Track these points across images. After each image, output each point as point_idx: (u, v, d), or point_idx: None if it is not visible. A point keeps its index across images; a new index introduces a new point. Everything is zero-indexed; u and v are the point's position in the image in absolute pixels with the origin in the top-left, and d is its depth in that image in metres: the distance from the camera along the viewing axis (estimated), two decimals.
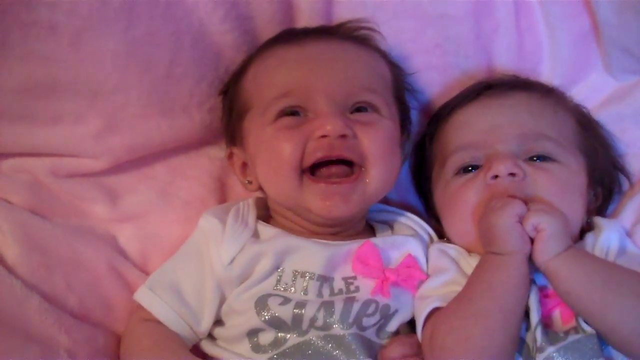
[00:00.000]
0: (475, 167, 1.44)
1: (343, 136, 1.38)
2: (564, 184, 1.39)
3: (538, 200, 1.35)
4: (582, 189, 1.43)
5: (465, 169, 1.45)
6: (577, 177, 1.43)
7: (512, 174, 1.37)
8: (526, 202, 1.33)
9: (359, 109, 1.43)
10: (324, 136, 1.37)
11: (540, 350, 1.24)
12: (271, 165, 1.42)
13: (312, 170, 1.40)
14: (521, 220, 1.30)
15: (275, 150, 1.40)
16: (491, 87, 1.52)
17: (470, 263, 1.38)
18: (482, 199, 1.39)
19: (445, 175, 1.49)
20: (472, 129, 1.48)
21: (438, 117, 1.58)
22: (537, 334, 1.26)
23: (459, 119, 1.51)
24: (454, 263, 1.42)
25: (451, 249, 1.45)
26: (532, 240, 1.30)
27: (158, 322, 1.38)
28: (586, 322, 1.26)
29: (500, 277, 1.29)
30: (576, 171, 1.43)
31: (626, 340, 1.23)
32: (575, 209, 1.40)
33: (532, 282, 1.32)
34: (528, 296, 1.30)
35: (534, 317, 1.28)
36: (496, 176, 1.38)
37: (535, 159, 1.41)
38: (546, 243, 1.28)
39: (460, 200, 1.43)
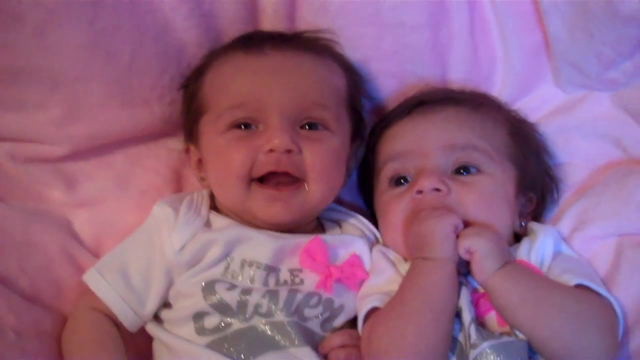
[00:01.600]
0: (405, 180, 1.50)
1: (289, 151, 1.43)
2: (487, 195, 1.44)
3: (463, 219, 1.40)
4: (508, 197, 1.48)
5: (397, 181, 1.51)
6: (503, 186, 1.48)
7: (437, 189, 1.43)
8: None
9: (310, 124, 1.48)
10: (271, 150, 1.42)
11: (474, 346, 1.29)
12: (221, 173, 1.48)
13: (261, 178, 1.45)
14: (456, 233, 1.37)
15: (225, 160, 1.45)
16: (422, 103, 1.57)
17: (405, 268, 1.43)
18: (408, 212, 1.45)
19: (380, 185, 1.55)
20: (402, 140, 1.53)
21: (374, 130, 1.64)
22: (471, 331, 1.31)
23: (392, 132, 1.57)
24: (392, 265, 1.47)
25: (391, 253, 1.51)
26: (468, 263, 1.36)
27: (101, 312, 1.42)
28: None
29: (431, 280, 1.34)
30: (502, 181, 1.48)
31: (554, 355, 1.29)
32: (501, 217, 1.46)
33: (465, 283, 1.38)
34: (459, 297, 1.35)
35: (467, 316, 1.33)
36: (421, 191, 1.44)
37: (461, 171, 1.46)
38: (481, 264, 1.33)
39: (390, 212, 1.49)
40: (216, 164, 1.48)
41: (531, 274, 1.36)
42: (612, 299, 1.35)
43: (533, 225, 1.50)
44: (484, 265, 1.33)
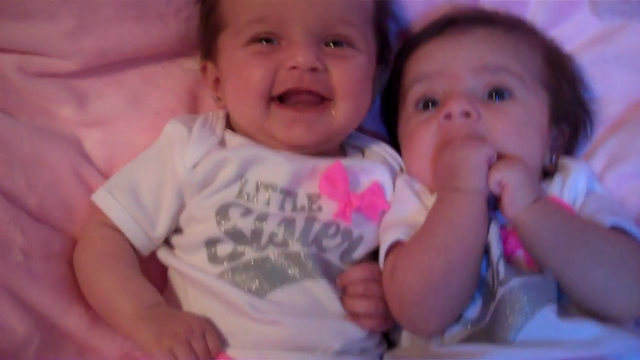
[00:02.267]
0: (434, 103, 1.43)
1: (314, 69, 1.37)
2: (519, 124, 1.38)
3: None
4: (541, 126, 1.42)
5: (425, 105, 1.45)
6: (536, 114, 1.42)
7: (466, 114, 1.36)
8: None
9: (335, 42, 1.41)
10: (294, 67, 1.36)
11: (502, 283, 1.25)
12: (239, 90, 1.41)
13: (281, 97, 1.39)
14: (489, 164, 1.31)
15: (244, 76, 1.39)
16: (454, 22, 1.50)
17: (431, 201, 1.37)
18: (436, 140, 1.39)
19: (406, 110, 1.49)
20: (430, 61, 1.47)
21: (401, 51, 1.57)
22: (499, 267, 1.26)
23: (420, 53, 1.50)
24: (417, 197, 1.41)
25: (416, 183, 1.45)
26: (497, 198, 1.30)
27: (114, 229, 1.38)
28: None
29: (462, 212, 1.29)
30: (535, 108, 1.42)
31: (584, 296, 1.26)
32: (533, 148, 1.40)
33: (493, 218, 1.32)
34: (488, 232, 1.30)
35: (495, 252, 1.28)
36: (450, 115, 1.37)
37: (493, 95, 1.40)
38: (512, 197, 1.27)
39: (417, 139, 1.43)
40: (234, 79, 1.42)
41: (564, 211, 1.31)
42: None
43: (565, 160, 1.45)
44: (516, 199, 1.27)
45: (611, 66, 1.57)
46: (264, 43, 1.40)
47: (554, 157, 1.47)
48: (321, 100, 1.40)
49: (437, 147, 1.38)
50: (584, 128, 1.54)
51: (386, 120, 1.63)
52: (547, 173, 1.46)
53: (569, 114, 1.50)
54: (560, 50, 1.58)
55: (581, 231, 1.27)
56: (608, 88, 1.56)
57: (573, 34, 1.62)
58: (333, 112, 1.40)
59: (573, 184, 1.38)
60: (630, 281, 1.24)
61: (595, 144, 1.54)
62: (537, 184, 1.32)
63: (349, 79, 1.40)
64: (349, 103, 1.41)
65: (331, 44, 1.41)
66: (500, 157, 1.33)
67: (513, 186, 1.28)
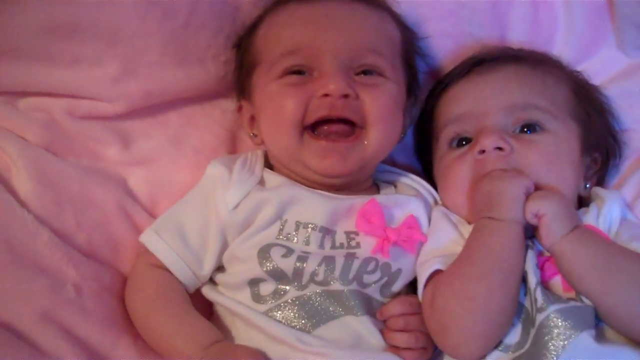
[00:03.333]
0: (467, 140, 1.47)
1: (345, 96, 1.40)
2: (551, 154, 1.41)
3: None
4: (573, 156, 1.45)
5: (458, 143, 1.49)
6: (568, 145, 1.44)
7: (499, 148, 1.40)
8: None
9: (365, 71, 1.45)
10: (326, 95, 1.39)
11: (541, 310, 1.26)
12: (274, 120, 1.45)
13: (314, 127, 1.42)
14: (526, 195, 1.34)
15: (278, 106, 1.42)
16: (481, 62, 1.54)
17: (468, 231, 1.40)
18: (472, 174, 1.43)
19: (440, 149, 1.53)
20: (461, 103, 1.51)
21: (432, 93, 1.61)
22: (537, 294, 1.28)
23: (450, 94, 1.55)
24: (454, 227, 1.44)
25: (453, 215, 1.48)
26: (535, 228, 1.33)
27: (163, 269, 1.41)
28: None
29: (500, 240, 1.31)
30: (566, 138, 1.44)
31: (621, 323, 1.26)
32: (566, 177, 1.42)
33: (530, 246, 1.35)
34: (525, 260, 1.32)
35: (532, 279, 1.30)
36: (484, 151, 1.41)
37: (525, 129, 1.43)
38: (549, 227, 1.31)
39: (452, 174, 1.47)
40: (269, 111, 1.46)
41: (601, 239, 1.33)
42: None
43: (598, 190, 1.48)
44: (553, 228, 1.30)
45: (638, 99, 1.61)
46: (297, 75, 1.44)
47: (588, 185, 1.49)
48: (352, 130, 1.43)
49: (473, 180, 1.42)
50: (615, 157, 1.57)
51: (420, 156, 1.67)
52: (583, 201, 1.49)
53: (600, 143, 1.52)
54: (588, 81, 1.61)
55: (617, 258, 1.29)
56: (635, 120, 1.60)
57: (600, 70, 1.67)
58: (365, 141, 1.43)
59: (608, 213, 1.40)
60: None
61: (624, 174, 1.56)
62: (573, 213, 1.35)
63: (380, 105, 1.43)
64: (380, 129, 1.43)
65: (361, 74, 1.45)
66: (537, 188, 1.36)
67: (549, 217, 1.30)
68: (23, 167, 1.40)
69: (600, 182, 1.56)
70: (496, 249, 1.31)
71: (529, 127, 1.44)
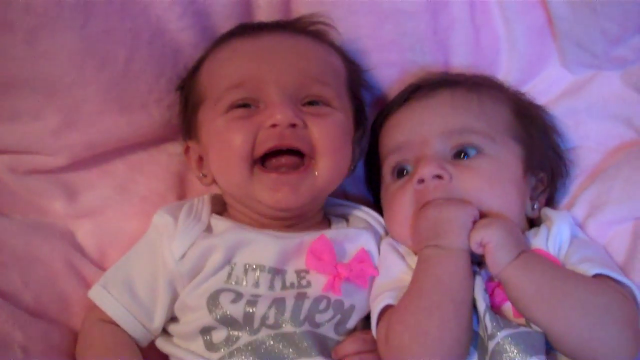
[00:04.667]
0: (407, 170, 1.47)
1: (293, 125, 1.39)
2: (492, 178, 1.40)
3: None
4: (515, 177, 1.44)
5: (399, 172, 1.48)
6: (508, 166, 1.44)
7: (438, 176, 1.39)
8: None
9: (311, 102, 1.44)
10: (274, 125, 1.38)
11: (492, 336, 1.26)
12: (222, 156, 1.43)
13: (263, 161, 1.41)
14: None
15: (226, 141, 1.41)
16: (419, 88, 1.54)
17: (415, 261, 1.39)
18: (413, 204, 1.42)
19: (384, 179, 1.52)
20: (399, 131, 1.50)
21: (375, 122, 1.61)
22: (486, 320, 1.27)
23: (391, 122, 1.54)
24: (402, 259, 1.43)
25: (400, 246, 1.47)
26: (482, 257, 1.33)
27: (112, 324, 1.39)
28: None
29: (448, 270, 1.31)
30: (507, 160, 1.44)
31: (571, 349, 1.26)
32: (509, 198, 1.41)
33: (478, 272, 1.34)
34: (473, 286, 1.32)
35: (481, 305, 1.29)
36: (423, 180, 1.40)
37: (462, 155, 1.43)
38: (494, 255, 1.30)
39: (395, 205, 1.46)
40: (217, 147, 1.44)
41: (547, 264, 1.32)
42: (632, 286, 1.31)
43: (547, 211, 1.47)
44: (498, 256, 1.30)
45: (584, 116, 1.61)
46: (243, 108, 1.43)
47: (536, 205, 1.49)
48: (302, 162, 1.42)
49: (415, 210, 1.41)
50: (562, 176, 1.57)
51: (370, 187, 1.66)
52: (533, 223, 1.48)
53: (545, 163, 1.52)
54: (530, 101, 1.61)
55: (564, 283, 1.28)
56: (582, 138, 1.60)
57: (545, 88, 1.68)
58: (316, 172, 1.42)
59: (557, 234, 1.39)
60: (614, 330, 1.24)
61: (574, 193, 1.56)
62: (518, 238, 1.34)
63: (328, 134, 1.42)
64: (330, 158, 1.43)
65: (308, 104, 1.44)
66: (481, 214, 1.36)
67: (494, 245, 1.30)
68: None
69: (550, 202, 1.55)
70: (445, 279, 1.30)
71: (466, 152, 1.43)
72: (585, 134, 1.60)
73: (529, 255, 1.32)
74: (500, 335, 1.25)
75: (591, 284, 1.29)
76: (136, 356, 1.38)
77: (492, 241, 1.30)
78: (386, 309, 1.35)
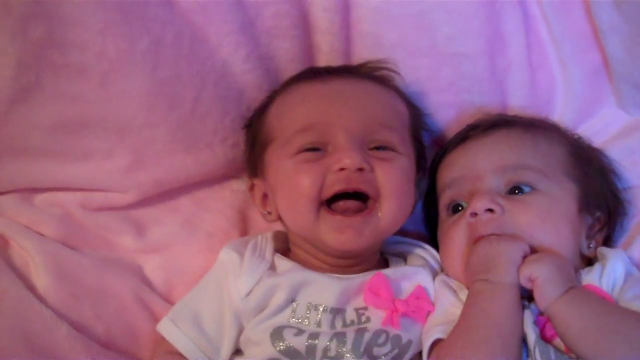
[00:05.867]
0: (462, 206, 1.50)
1: (360, 169, 1.43)
2: (544, 214, 1.42)
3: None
4: (569, 215, 1.45)
5: (454, 208, 1.51)
6: (562, 204, 1.45)
7: (490, 210, 1.42)
8: None
9: (377, 147, 1.48)
10: (342, 169, 1.42)
11: None
12: (290, 197, 1.47)
13: (329, 203, 1.45)
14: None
15: (294, 183, 1.45)
16: (475, 128, 1.58)
17: (466, 295, 1.41)
18: (465, 238, 1.44)
19: (440, 215, 1.55)
20: (455, 167, 1.54)
21: (434, 159, 1.65)
22: (537, 352, 1.28)
23: (447, 160, 1.58)
24: (454, 293, 1.46)
25: (452, 281, 1.49)
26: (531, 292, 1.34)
27: (180, 356, 1.43)
28: None
29: (497, 304, 1.32)
30: (560, 198, 1.45)
31: None
32: (561, 235, 1.42)
33: (527, 306, 1.35)
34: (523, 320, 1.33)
35: (531, 336, 1.30)
36: (475, 214, 1.43)
37: (516, 191, 1.45)
38: (542, 290, 1.31)
39: (447, 239, 1.49)
40: (285, 187, 1.48)
41: (595, 300, 1.33)
42: None
43: (603, 249, 1.47)
44: (546, 292, 1.31)
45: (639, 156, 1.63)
46: (312, 152, 1.47)
47: (592, 244, 1.49)
48: (366, 205, 1.45)
49: (468, 244, 1.44)
50: (619, 216, 1.57)
51: (428, 226, 1.69)
52: (591, 262, 1.48)
53: (602, 203, 1.53)
54: (587, 144, 1.63)
55: (612, 318, 1.28)
56: (639, 177, 1.61)
57: (601, 128, 1.70)
58: (379, 214, 1.45)
59: (612, 271, 1.39)
60: None
61: (632, 233, 1.56)
62: (568, 274, 1.35)
63: (394, 178, 1.46)
64: (394, 202, 1.46)
65: (374, 149, 1.48)
66: (532, 249, 1.38)
67: (542, 280, 1.31)
68: (40, 263, 1.43)
69: (608, 241, 1.56)
70: (493, 313, 1.32)
71: (520, 189, 1.45)
72: None
73: (578, 290, 1.33)
74: None
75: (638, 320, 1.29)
76: None
77: (541, 276, 1.32)
78: (436, 342, 1.37)
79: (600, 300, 1.33)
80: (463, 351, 1.30)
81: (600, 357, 1.25)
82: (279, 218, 1.55)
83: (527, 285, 1.33)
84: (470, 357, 1.29)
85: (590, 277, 1.40)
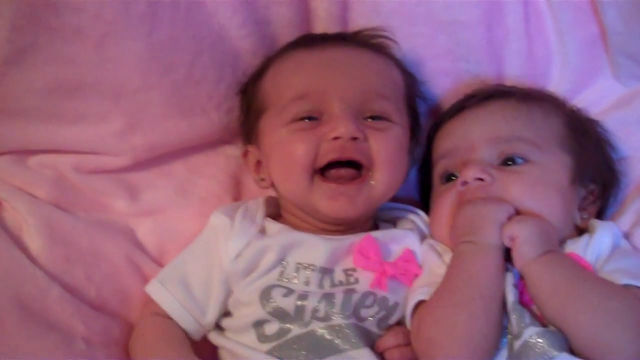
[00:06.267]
0: (455, 175, 1.51)
1: (354, 139, 1.44)
2: (535, 184, 1.43)
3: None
4: (561, 185, 1.45)
5: (448, 178, 1.52)
6: (554, 175, 1.45)
7: (480, 179, 1.43)
8: None
9: (372, 116, 1.49)
10: (336, 138, 1.43)
11: (519, 332, 1.28)
12: (284, 165, 1.48)
13: (323, 171, 1.46)
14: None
15: (289, 151, 1.46)
16: (471, 98, 1.58)
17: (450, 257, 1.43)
18: (454, 204, 1.46)
19: (434, 184, 1.57)
20: (450, 138, 1.55)
21: (430, 130, 1.65)
22: (513, 315, 1.30)
23: (444, 130, 1.58)
24: (439, 256, 1.47)
25: (439, 245, 1.50)
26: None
27: (165, 317, 1.45)
28: None
29: (480, 265, 1.34)
30: (553, 169, 1.46)
31: (580, 350, 1.26)
32: (551, 204, 1.43)
33: (510, 269, 1.36)
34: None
35: (510, 299, 1.32)
36: (466, 182, 1.44)
37: (509, 162, 1.46)
38: (520, 249, 1.33)
39: (437, 206, 1.50)
40: (279, 155, 1.49)
41: (570, 266, 1.34)
42: None
43: (594, 221, 1.49)
44: (523, 251, 1.33)
45: (634, 127, 1.63)
46: (306, 121, 1.47)
47: (585, 215, 1.50)
48: (359, 174, 1.47)
49: (455, 209, 1.45)
50: (613, 188, 1.58)
51: (423, 195, 1.69)
52: (583, 232, 1.49)
53: (596, 175, 1.54)
54: (582, 114, 1.63)
55: (581, 285, 1.29)
56: (634, 149, 1.61)
57: (597, 99, 1.69)
58: (372, 182, 1.47)
59: (598, 243, 1.41)
60: (624, 336, 1.24)
61: (624, 203, 1.58)
62: (549, 238, 1.36)
63: (387, 148, 1.47)
64: (387, 171, 1.47)
65: (369, 119, 1.49)
66: (519, 213, 1.39)
67: (521, 239, 1.33)
68: (33, 225, 1.44)
69: (601, 212, 1.57)
70: (476, 274, 1.33)
71: (512, 160, 1.46)
72: (636, 144, 1.61)
73: (556, 254, 1.34)
74: (528, 331, 1.27)
75: (609, 289, 1.30)
76: (185, 346, 1.43)
77: (521, 235, 1.33)
78: (419, 304, 1.39)
79: (575, 267, 1.34)
80: (444, 311, 1.32)
81: (564, 322, 1.27)
82: (273, 185, 1.56)
83: (508, 244, 1.35)
84: (451, 317, 1.31)
85: (576, 246, 1.41)
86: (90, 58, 1.45)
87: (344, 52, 1.54)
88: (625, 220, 1.53)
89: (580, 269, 1.34)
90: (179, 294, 1.45)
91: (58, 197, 1.52)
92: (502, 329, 1.31)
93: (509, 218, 1.37)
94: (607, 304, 1.27)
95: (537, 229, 1.35)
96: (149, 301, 1.47)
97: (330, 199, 1.44)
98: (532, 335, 1.27)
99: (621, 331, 1.25)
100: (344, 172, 1.46)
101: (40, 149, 1.54)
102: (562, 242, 1.42)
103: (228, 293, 1.46)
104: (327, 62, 1.52)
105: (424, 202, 1.66)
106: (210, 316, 1.46)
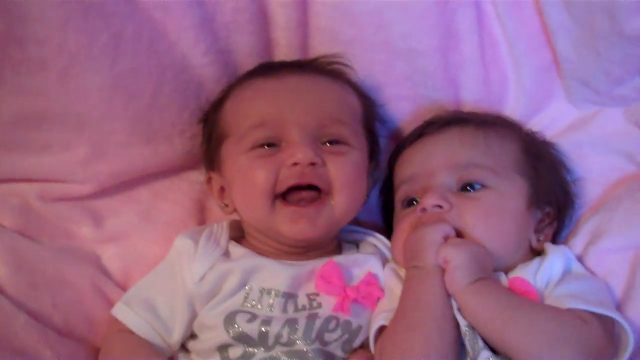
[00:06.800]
0: (415, 201, 1.54)
1: (313, 164, 1.47)
2: (490, 210, 1.46)
3: (462, 233, 1.43)
4: (516, 210, 1.49)
5: (409, 203, 1.55)
6: (510, 200, 1.49)
7: (439, 206, 1.46)
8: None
9: (330, 141, 1.52)
10: (295, 164, 1.47)
11: (475, 355, 1.31)
12: (246, 192, 1.52)
13: (283, 195, 1.49)
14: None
15: (249, 178, 1.49)
16: (430, 125, 1.62)
17: None
18: (410, 229, 1.48)
19: (396, 209, 1.60)
20: (411, 164, 1.58)
21: (392, 155, 1.69)
22: (466, 340, 1.33)
23: (403, 157, 1.62)
24: (400, 281, 1.49)
25: (400, 269, 1.53)
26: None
27: (131, 332, 1.46)
28: None
29: (427, 288, 1.37)
30: (509, 194, 1.49)
31: None
32: (504, 230, 1.46)
33: None
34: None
35: (461, 322, 1.34)
36: (425, 209, 1.47)
37: (467, 188, 1.49)
38: (451, 275, 1.36)
39: (398, 230, 1.53)
40: (241, 182, 1.52)
41: (502, 293, 1.36)
42: (615, 316, 1.35)
43: (547, 245, 1.52)
44: (454, 277, 1.35)
45: (587, 150, 1.68)
46: (265, 148, 1.51)
47: (541, 237, 1.54)
48: (319, 195, 1.50)
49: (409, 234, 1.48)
50: (568, 210, 1.62)
51: (386, 219, 1.73)
52: (541, 254, 1.52)
53: (552, 198, 1.57)
54: (538, 137, 1.68)
55: (515, 311, 1.32)
56: (586, 171, 1.66)
57: (550, 123, 1.75)
58: (332, 202, 1.50)
59: (548, 268, 1.44)
60: (562, 357, 1.27)
61: (578, 223, 1.62)
62: (483, 265, 1.38)
63: (345, 172, 1.51)
64: (346, 195, 1.51)
65: (327, 143, 1.52)
66: (460, 236, 1.43)
67: (454, 265, 1.36)
68: None
69: (556, 234, 1.61)
70: (424, 297, 1.36)
71: (470, 185, 1.49)
72: (589, 167, 1.66)
73: (487, 282, 1.37)
74: (483, 355, 1.30)
75: (547, 313, 1.33)
76: (155, 355, 1.45)
77: (453, 260, 1.36)
78: (381, 329, 1.41)
79: (507, 294, 1.37)
80: (400, 335, 1.35)
81: (505, 346, 1.30)
82: (236, 210, 1.58)
83: (443, 266, 1.38)
84: (407, 342, 1.33)
85: (525, 271, 1.44)
86: (54, 89, 1.47)
87: (300, 79, 1.58)
88: (579, 241, 1.56)
89: (514, 296, 1.37)
90: (144, 313, 1.47)
91: (23, 225, 1.53)
92: (458, 348, 1.34)
93: (446, 238, 1.40)
94: (545, 326, 1.30)
95: (470, 255, 1.38)
96: (114, 321, 1.49)
97: (292, 222, 1.48)
98: (487, 359, 1.30)
99: (562, 350, 1.28)
100: (305, 194, 1.50)
101: (5, 177, 1.56)
102: (513, 266, 1.46)
103: (193, 315, 1.48)
104: (284, 90, 1.55)
105: (388, 225, 1.70)
106: (176, 336, 1.48)
